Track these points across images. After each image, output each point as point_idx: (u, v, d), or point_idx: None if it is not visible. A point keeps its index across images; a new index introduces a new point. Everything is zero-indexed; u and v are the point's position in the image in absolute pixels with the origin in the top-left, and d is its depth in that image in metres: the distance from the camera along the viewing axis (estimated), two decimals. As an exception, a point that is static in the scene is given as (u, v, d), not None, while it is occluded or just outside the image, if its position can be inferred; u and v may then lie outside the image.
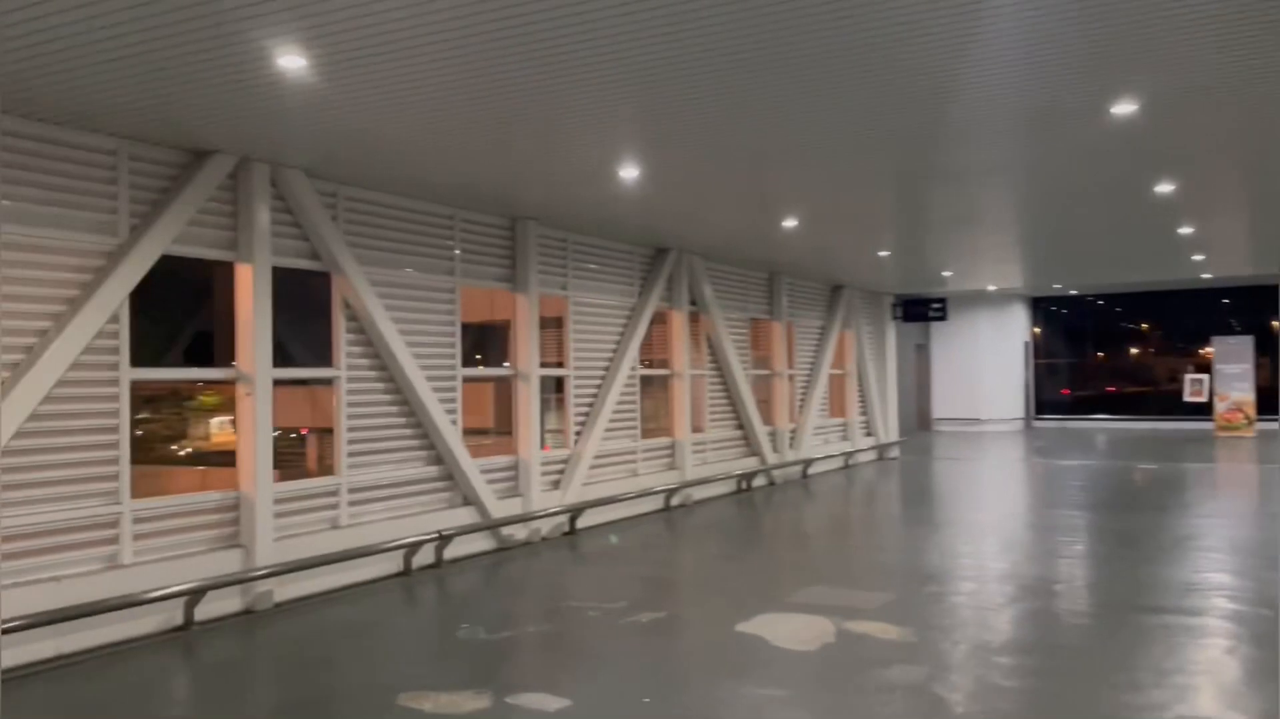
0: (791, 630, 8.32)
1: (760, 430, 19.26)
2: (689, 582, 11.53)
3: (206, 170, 8.98)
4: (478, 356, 14.21)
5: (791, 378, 21.14)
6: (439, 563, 11.41)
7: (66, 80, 6.84)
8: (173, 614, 8.58)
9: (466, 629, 8.67)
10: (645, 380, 16.22)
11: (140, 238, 8.45)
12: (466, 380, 12.47)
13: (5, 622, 7.26)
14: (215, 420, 16.47)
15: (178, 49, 6.29)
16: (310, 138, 8.75)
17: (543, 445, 13.64)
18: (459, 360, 12.17)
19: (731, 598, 9.74)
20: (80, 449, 8.13)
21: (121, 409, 8.44)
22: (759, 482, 19.17)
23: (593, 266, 14.90)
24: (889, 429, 25.84)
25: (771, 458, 19.64)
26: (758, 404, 19.46)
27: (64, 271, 8.03)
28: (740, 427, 19.04)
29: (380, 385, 11.08)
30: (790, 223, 14.17)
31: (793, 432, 20.92)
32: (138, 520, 8.56)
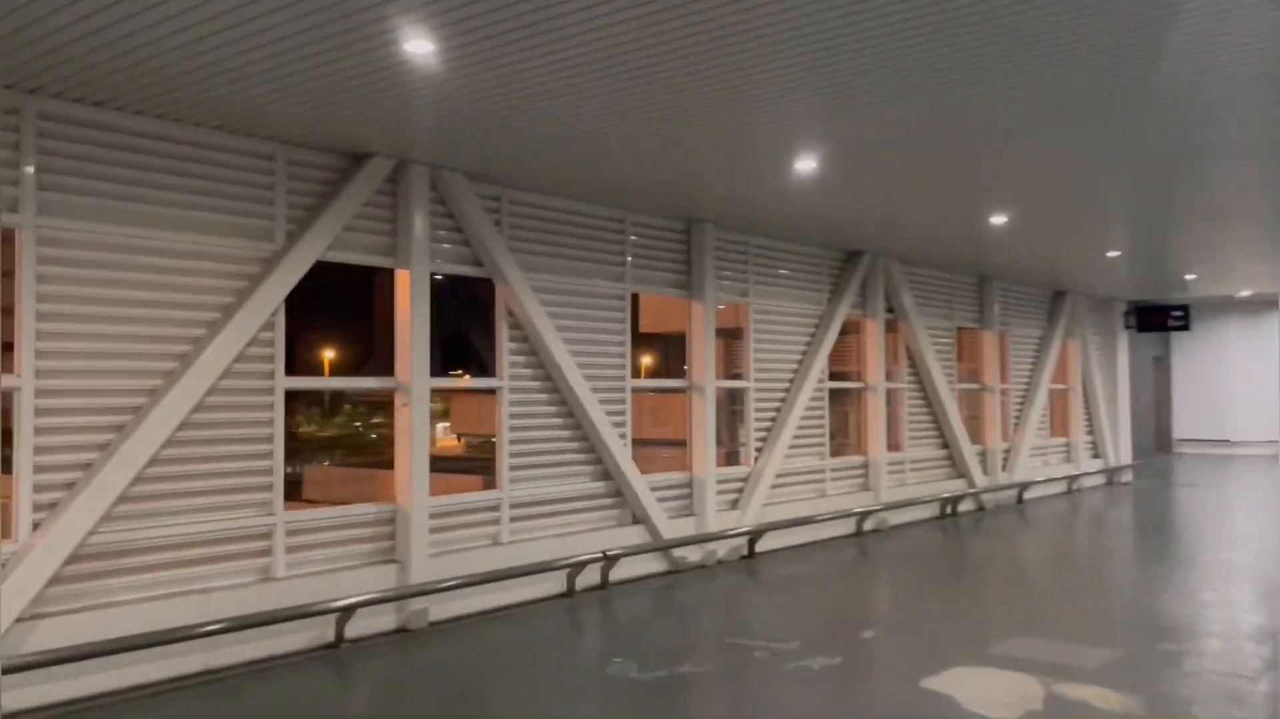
0: (989, 691, 7.09)
1: (967, 450, 17.60)
2: (875, 620, 10.35)
3: (364, 174, 8.76)
4: (685, 367, 13.48)
5: (1005, 393, 19.26)
6: (604, 584, 10.80)
7: (224, 84, 6.71)
8: (324, 631, 8.35)
9: (619, 665, 7.94)
10: (835, 394, 15.06)
11: (295, 244, 8.30)
12: (640, 392, 11.83)
13: (154, 634, 7.19)
14: (439, 425, 16.75)
15: (335, 50, 6.08)
16: (472, 139, 8.38)
17: (740, 460, 12.79)
18: (629, 371, 11.54)
19: (922, 644, 8.55)
20: (233, 459, 8.03)
21: (275, 418, 8.30)
22: (965, 506, 17.52)
23: (777, 271, 13.94)
24: (1120, 451, 23.23)
25: (980, 480, 17.92)
26: (965, 421, 17.81)
27: (219, 279, 7.96)
28: (944, 445, 17.46)
29: (545, 397, 10.60)
30: (1000, 219, 12.66)
31: (1006, 452, 19.05)
32: (291, 533, 8.40)
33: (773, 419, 13.77)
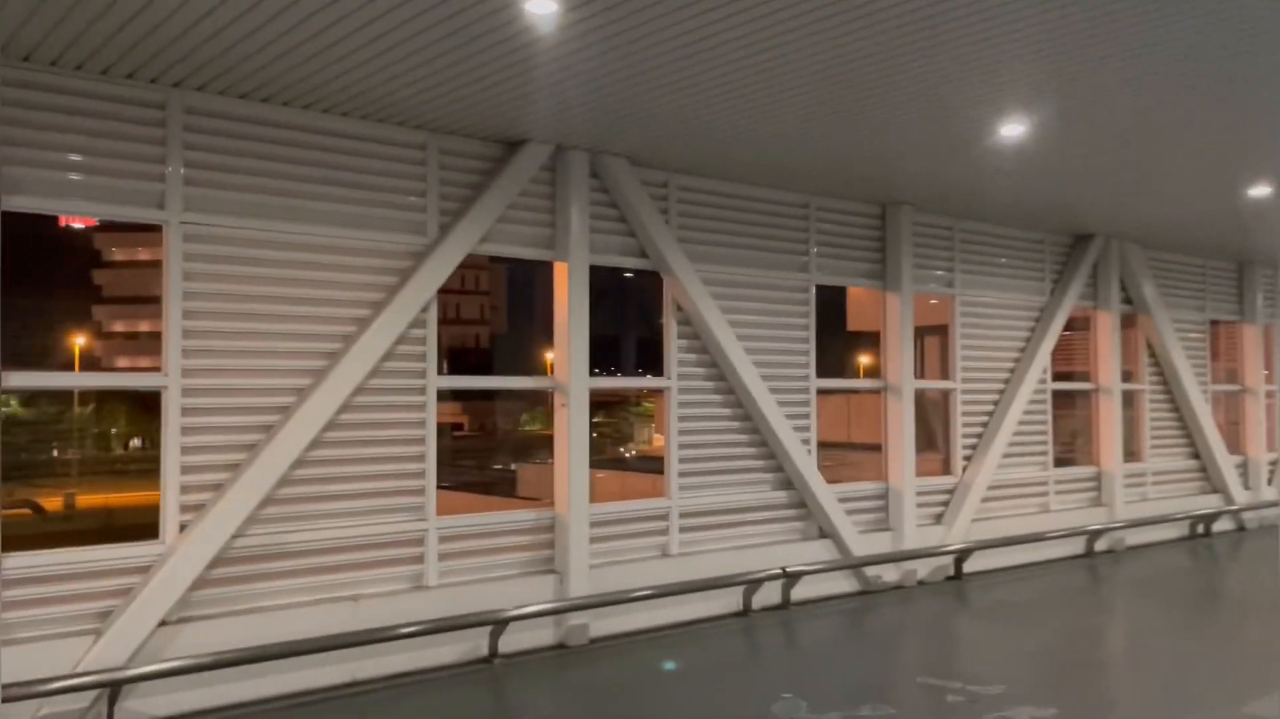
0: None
1: (1224, 461, 15.26)
2: (1103, 663, 8.83)
3: (519, 162, 8.28)
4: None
5: (1271, 395, 16.61)
6: (785, 604, 9.85)
7: (372, 70, 6.44)
8: (477, 644, 7.92)
9: (786, 703, 7.01)
10: (1060, 397, 13.33)
11: (447, 236, 7.92)
12: (827, 393, 10.80)
13: (300, 643, 6.96)
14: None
15: (484, 29, 5.72)
16: (636, 121, 7.78)
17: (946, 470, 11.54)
18: (813, 370, 10.52)
19: (1160, 695, 7.11)
20: (383, 460, 7.73)
21: (428, 419, 7.96)
22: (1221, 526, 15.19)
23: (990, 260, 12.46)
24: None
25: (1241, 496, 15.49)
26: (1221, 428, 15.46)
27: (369, 274, 7.68)
28: (1195, 455, 15.21)
29: (718, 398, 9.79)
30: (1265, 190, 10.68)
31: (1273, 464, 16.43)
32: (445, 539, 8.03)
33: (984, 424, 12.30)
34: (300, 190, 7.37)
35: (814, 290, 10.62)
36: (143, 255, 43.78)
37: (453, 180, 8.10)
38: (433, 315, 7.97)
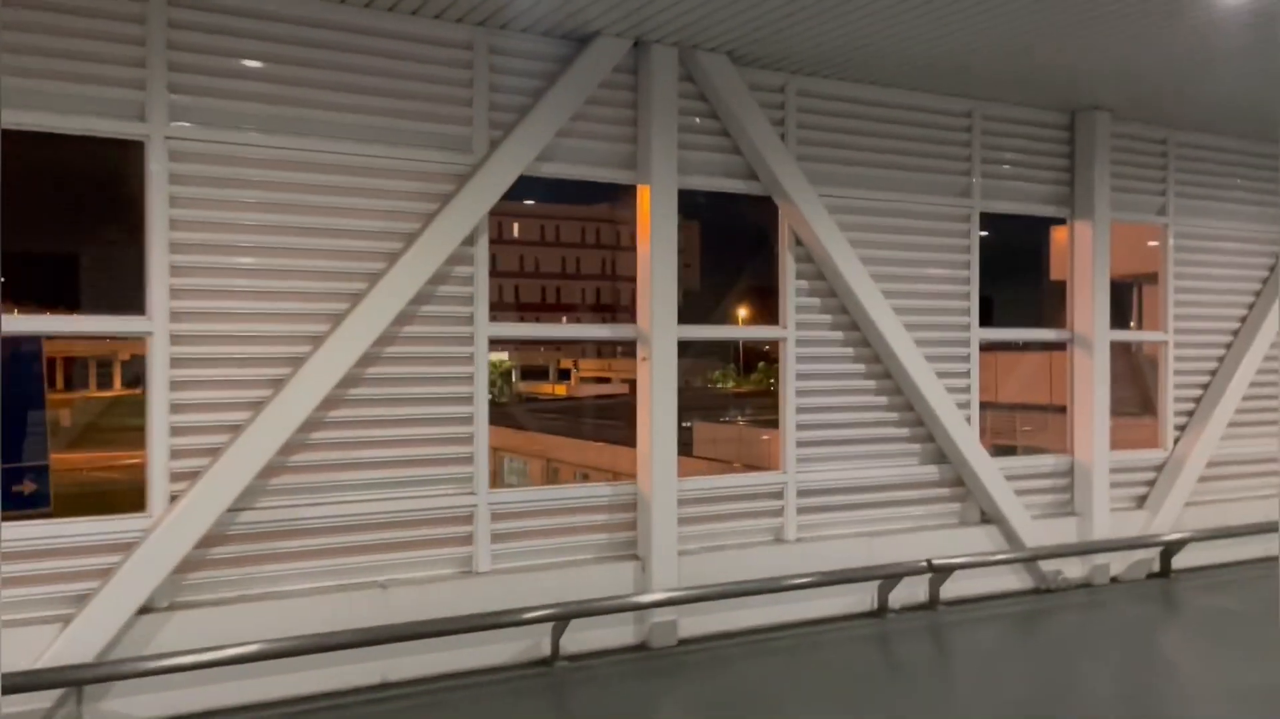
0: None
1: None
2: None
3: (586, 62, 6.77)
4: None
5: None
6: (933, 603, 8.04)
7: None
8: (538, 642, 6.62)
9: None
10: (1307, 352, 10.62)
11: (494, 154, 6.54)
12: (991, 349, 8.80)
13: (324, 636, 5.89)
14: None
15: None
16: (738, 4, 6.16)
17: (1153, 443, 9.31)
18: (974, 318, 8.53)
19: None
20: (419, 423, 6.50)
21: (478, 374, 6.66)
22: None
23: (1216, 180, 9.92)
24: None
25: None
26: None
27: (404, 199, 6.40)
28: None
29: (849, 351, 8.02)
30: None
31: None
32: (499, 517, 6.75)
33: (1204, 387, 9.88)
34: (314, 99, 6.15)
35: (977, 219, 8.58)
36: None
37: (505, 86, 6.69)
38: (482, 250, 6.63)
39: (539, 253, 72.75)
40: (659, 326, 7.03)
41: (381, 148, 6.32)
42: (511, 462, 34.82)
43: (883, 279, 7.95)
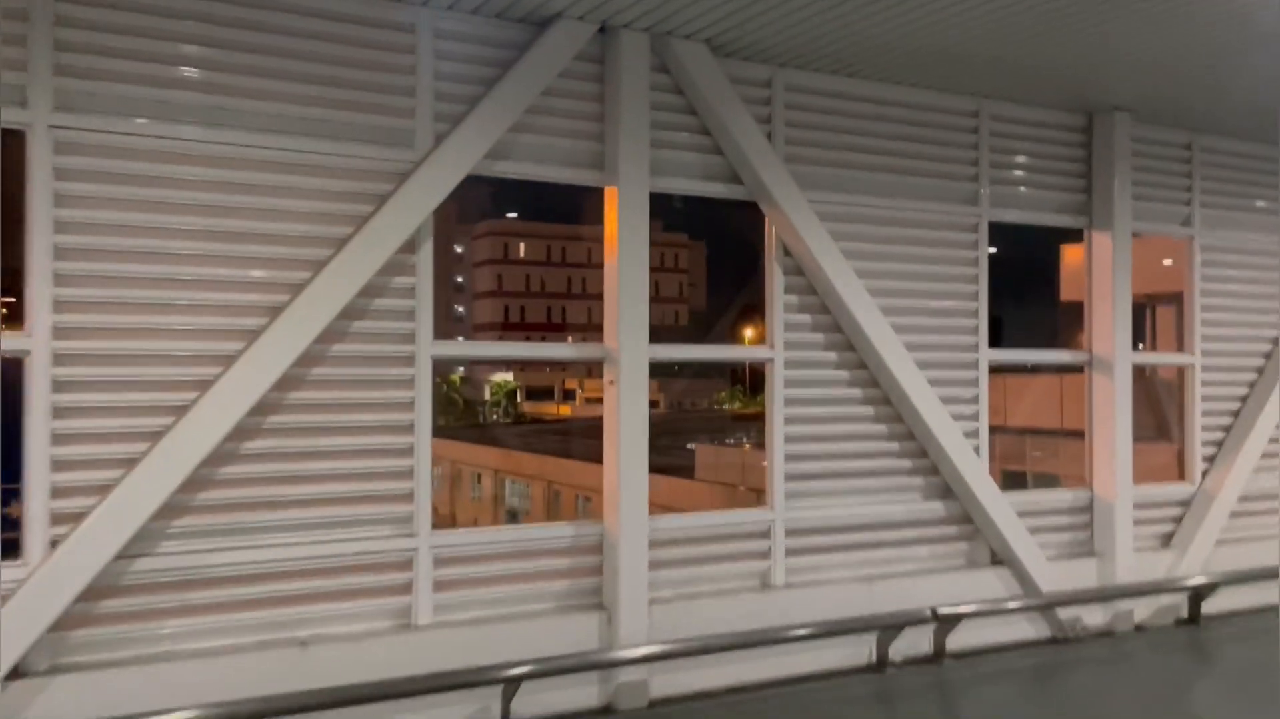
0: None
1: None
2: None
3: (544, 48, 6.03)
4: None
5: None
6: (938, 656, 7.20)
7: None
8: (487, 706, 5.78)
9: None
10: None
11: (440, 149, 5.79)
12: (999, 371, 8.00)
13: (232, 704, 5.08)
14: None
15: None
16: None
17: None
18: (982, 338, 7.73)
19: None
20: (347, 456, 5.70)
21: (419, 399, 5.86)
22: None
23: (1246, 189, 9.12)
24: None
25: None
26: None
27: (332, 201, 5.64)
28: None
29: (843, 374, 7.22)
30: None
31: None
32: (443, 562, 5.94)
33: (1234, 414, 9.05)
34: (229, 84, 5.41)
35: (985, 229, 7.80)
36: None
37: (453, 75, 5.94)
38: (425, 259, 5.85)
39: (544, 273, 72.44)
40: (628, 346, 6.24)
41: (309, 141, 5.57)
42: (513, 484, 34.21)
43: (881, 294, 7.16)
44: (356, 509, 5.70)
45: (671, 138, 6.56)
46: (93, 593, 5.02)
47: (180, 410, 5.19)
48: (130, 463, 5.10)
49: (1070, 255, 11.56)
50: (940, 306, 7.58)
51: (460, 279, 72.80)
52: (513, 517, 32.56)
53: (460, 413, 50.35)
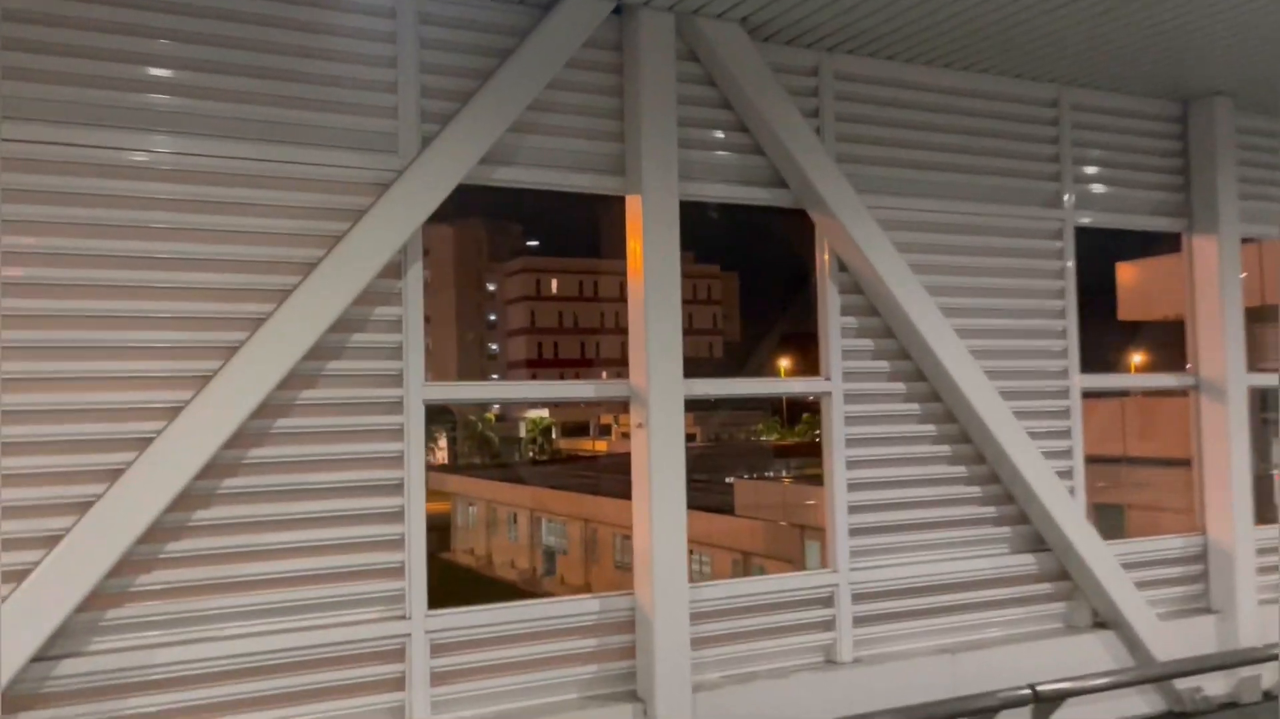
0: None
1: None
2: None
3: (549, 32, 5.09)
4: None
5: None
6: (1040, 740, 6.03)
7: None
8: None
9: None
10: None
11: (428, 153, 4.86)
12: (1094, 395, 6.89)
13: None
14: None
15: None
16: None
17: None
18: (1074, 361, 6.64)
19: None
20: (325, 524, 4.73)
21: (409, 453, 4.88)
22: None
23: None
24: None
25: None
26: None
27: (301, 218, 4.72)
28: None
29: (914, 409, 6.16)
30: None
31: None
32: (442, 650, 4.92)
33: (1361, 441, 7.85)
34: (178, 84, 4.52)
35: (1072, 235, 6.72)
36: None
37: (442, 66, 5.02)
38: (414, 285, 4.90)
39: (577, 308, 71.96)
40: (659, 382, 5.23)
41: (272, 148, 4.66)
42: (550, 523, 33.26)
43: (954, 314, 6.10)
44: (335, 589, 4.72)
45: (703, 136, 5.59)
46: (4, 703, 4.06)
47: (115, 475, 4.25)
48: (53, 540, 4.15)
49: (1125, 274, 10.84)
50: (1024, 326, 6.51)
51: (493, 316, 72.50)
52: (549, 556, 31.85)
53: (495, 451, 49.59)
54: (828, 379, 5.90)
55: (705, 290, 69.04)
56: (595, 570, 28.31)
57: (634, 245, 5.34)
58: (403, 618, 4.82)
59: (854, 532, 5.92)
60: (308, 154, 4.71)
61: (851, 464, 5.92)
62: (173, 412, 4.34)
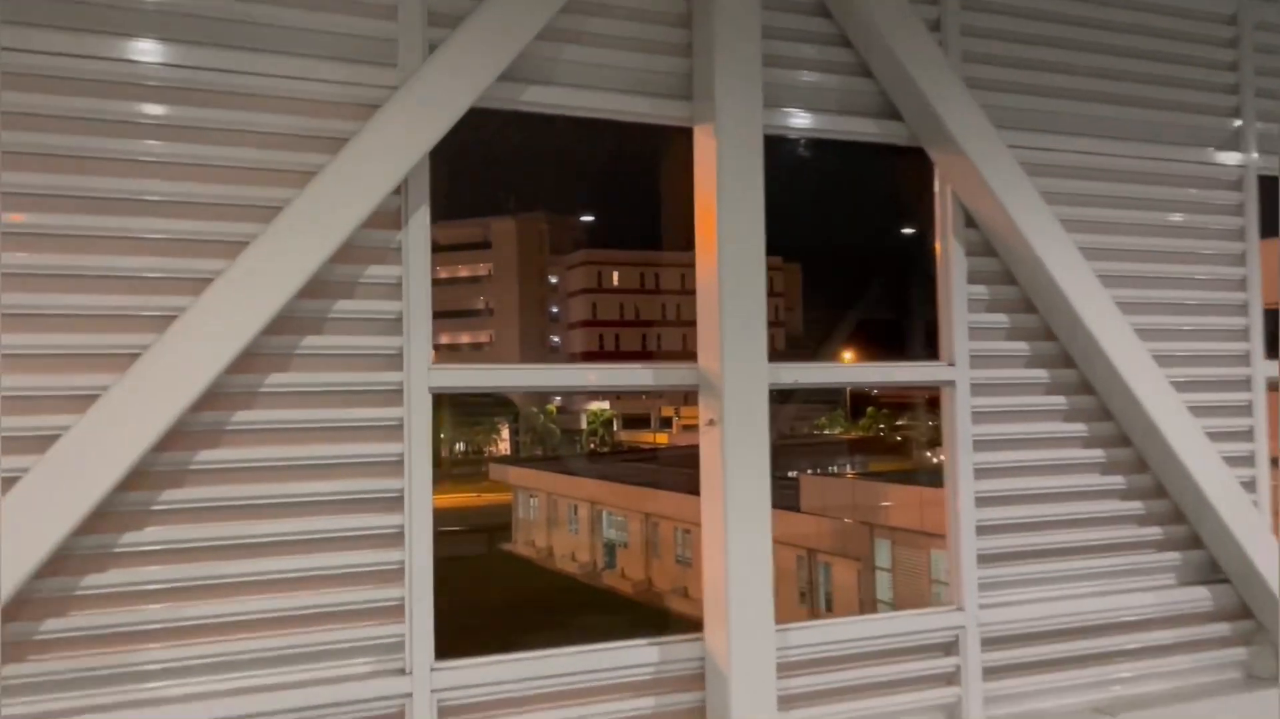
0: None
1: None
2: None
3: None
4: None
5: None
6: (1220, 829, 4.71)
7: None
8: None
9: None
10: None
11: (428, 70, 3.70)
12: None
13: None
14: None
15: None
16: None
17: None
18: (1258, 343, 5.26)
19: None
20: (299, 549, 3.61)
21: (412, 455, 3.74)
22: None
23: None
24: None
25: None
26: None
27: (271, 147, 3.59)
28: None
29: (1058, 403, 4.86)
30: None
31: None
32: (453, 712, 3.78)
33: None
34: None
35: (1254, 186, 5.35)
36: None
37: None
38: (418, 237, 3.75)
39: (639, 300, 71.12)
40: (737, 367, 4.02)
41: (240, 56, 3.53)
42: (610, 516, 32.63)
43: (1115, 283, 4.78)
44: (313, 635, 3.60)
45: (794, 52, 4.36)
46: None
47: (9, 483, 3.18)
48: (-71, 573, 3.10)
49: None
50: (1196, 300, 5.16)
51: (555, 309, 72.00)
52: (610, 550, 31.49)
53: (557, 444, 49.10)
54: (950, 364, 4.62)
55: (767, 282, 67.59)
56: (656, 565, 27.91)
57: (704, 192, 4.13)
58: (402, 672, 3.68)
59: (983, 558, 4.64)
60: (285, 63, 3.58)
61: (981, 473, 4.64)
62: (85, 404, 3.25)
